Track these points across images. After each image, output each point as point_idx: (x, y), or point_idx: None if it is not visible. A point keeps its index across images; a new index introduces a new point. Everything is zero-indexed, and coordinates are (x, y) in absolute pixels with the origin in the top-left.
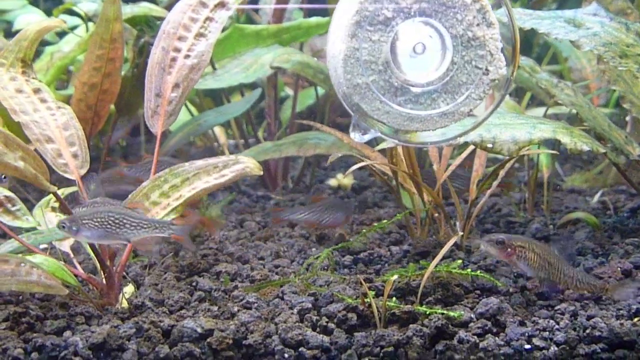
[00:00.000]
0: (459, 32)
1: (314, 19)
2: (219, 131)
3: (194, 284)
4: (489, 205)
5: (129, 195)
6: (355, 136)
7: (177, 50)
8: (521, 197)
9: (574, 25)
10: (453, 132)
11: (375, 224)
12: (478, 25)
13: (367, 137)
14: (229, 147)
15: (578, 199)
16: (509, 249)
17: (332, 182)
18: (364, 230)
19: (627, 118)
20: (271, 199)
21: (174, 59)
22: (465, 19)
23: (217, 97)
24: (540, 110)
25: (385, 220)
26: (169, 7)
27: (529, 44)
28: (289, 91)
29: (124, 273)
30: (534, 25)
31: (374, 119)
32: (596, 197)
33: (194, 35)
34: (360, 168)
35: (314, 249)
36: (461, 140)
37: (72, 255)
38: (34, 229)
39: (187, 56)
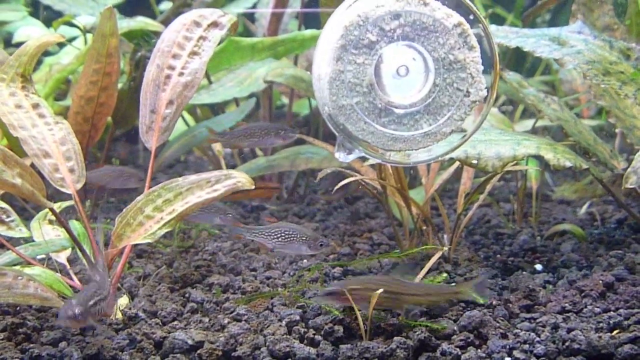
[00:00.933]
0: (441, 56)
1: (309, 32)
2: None
3: (186, 295)
4: (479, 217)
5: (124, 209)
6: (340, 156)
7: (172, 68)
8: (510, 208)
9: (558, 43)
10: (439, 150)
11: (366, 235)
12: (459, 49)
13: (351, 157)
14: (225, 156)
15: (567, 210)
16: (346, 296)
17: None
18: (366, 257)
19: (617, 130)
20: (266, 209)
21: (168, 77)
22: (447, 43)
23: (214, 106)
24: (531, 122)
25: (391, 252)
26: (165, 22)
27: (523, 55)
28: (285, 100)
29: (119, 284)
30: (520, 44)
31: (359, 139)
32: (584, 208)
33: (187, 53)
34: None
35: (305, 261)
36: (446, 157)
37: (68, 267)
38: (29, 239)
39: (181, 74)
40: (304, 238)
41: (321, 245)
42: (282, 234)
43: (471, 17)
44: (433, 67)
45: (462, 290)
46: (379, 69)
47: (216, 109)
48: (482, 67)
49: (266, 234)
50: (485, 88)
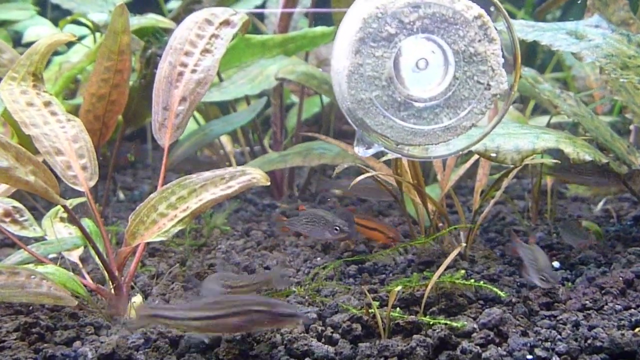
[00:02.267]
0: (461, 48)
1: (320, 29)
2: (225, 139)
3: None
4: (493, 214)
5: (137, 207)
6: (360, 150)
7: (184, 65)
8: (525, 206)
9: (576, 37)
10: (458, 144)
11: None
12: (480, 41)
13: (370, 152)
14: (235, 156)
15: (582, 207)
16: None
17: (338, 190)
18: (387, 251)
19: (631, 127)
20: (277, 208)
21: (180, 74)
22: (467, 35)
23: (224, 105)
24: (544, 119)
25: (412, 241)
26: (176, 19)
27: (534, 51)
28: (295, 98)
29: (132, 283)
30: (537, 38)
31: (378, 134)
32: (599, 205)
33: (200, 51)
34: (378, 181)
35: (319, 259)
36: (465, 151)
37: (80, 266)
38: (42, 238)
39: (193, 71)
40: (323, 222)
41: (336, 230)
42: (309, 220)
43: (492, 9)
44: (453, 60)
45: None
46: (398, 62)
47: (227, 107)
48: (502, 60)
49: (297, 222)
50: (507, 82)
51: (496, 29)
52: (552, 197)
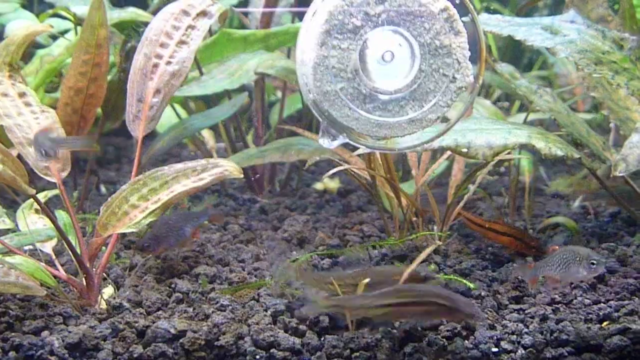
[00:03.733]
0: (427, 41)
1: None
2: (207, 135)
3: (172, 285)
4: (472, 210)
5: (109, 198)
6: (324, 142)
7: (159, 56)
8: (503, 202)
9: (551, 32)
10: (425, 137)
11: (357, 227)
12: (445, 34)
13: (335, 143)
14: (218, 151)
15: (561, 204)
16: None
17: (319, 185)
18: (356, 247)
19: (611, 125)
20: (257, 202)
21: (155, 65)
22: (433, 28)
23: (209, 100)
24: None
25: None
26: (155, 12)
27: (520, 50)
28: (280, 95)
29: (105, 275)
30: (511, 32)
31: (343, 126)
32: (577, 202)
33: (175, 42)
34: (346, 172)
35: (294, 252)
36: (435, 145)
37: (53, 257)
38: (15, 230)
39: (168, 62)
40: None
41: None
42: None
43: (457, 1)
44: (419, 53)
45: None
46: (364, 54)
47: (210, 102)
48: (468, 53)
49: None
50: (472, 75)
51: (464, 22)
52: (530, 193)
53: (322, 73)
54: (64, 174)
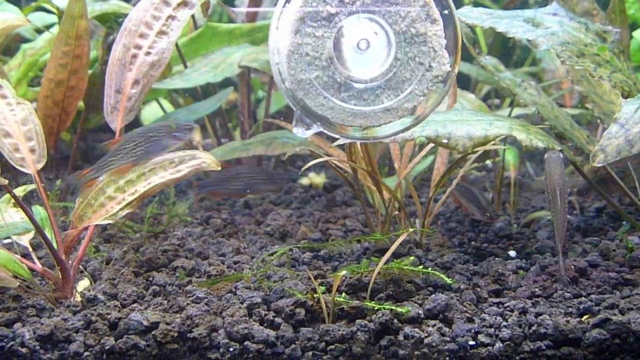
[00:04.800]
0: (402, 29)
1: None
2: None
3: (150, 279)
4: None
5: (85, 191)
6: (298, 131)
7: (138, 47)
8: (489, 197)
9: (533, 24)
10: (399, 127)
11: (340, 222)
12: (421, 21)
13: (309, 133)
14: (205, 147)
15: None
16: None
17: (304, 180)
18: (337, 241)
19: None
20: (242, 197)
21: (134, 56)
22: (408, 15)
23: (196, 95)
24: (515, 110)
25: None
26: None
27: (511, 46)
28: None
29: (82, 267)
30: (493, 25)
31: (318, 115)
32: None
33: (155, 32)
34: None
35: (276, 246)
36: (415, 135)
37: (30, 249)
38: None
39: (147, 53)
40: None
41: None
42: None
43: None
44: (394, 41)
45: None
46: (339, 42)
47: (197, 97)
48: (444, 41)
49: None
50: (449, 63)
51: (443, 13)
52: (515, 188)
53: (296, 61)
54: (39, 165)
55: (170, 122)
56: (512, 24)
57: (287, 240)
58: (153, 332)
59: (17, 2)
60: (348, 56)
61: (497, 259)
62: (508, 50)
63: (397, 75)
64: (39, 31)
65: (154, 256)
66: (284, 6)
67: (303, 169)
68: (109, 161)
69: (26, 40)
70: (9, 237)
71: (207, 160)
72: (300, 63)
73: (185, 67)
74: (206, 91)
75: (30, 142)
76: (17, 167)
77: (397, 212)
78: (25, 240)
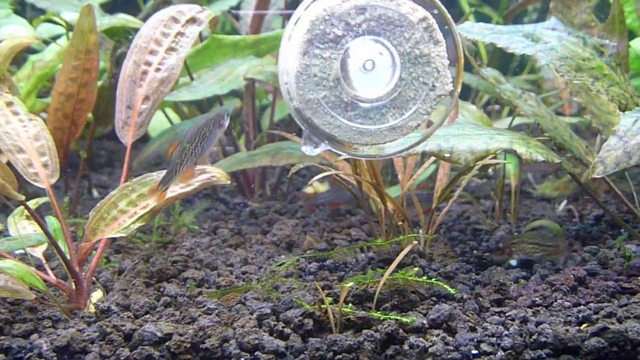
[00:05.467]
0: (407, 50)
1: None
2: None
3: (161, 289)
4: (458, 213)
5: (98, 204)
6: (307, 149)
7: (148, 63)
8: (491, 205)
9: (532, 39)
10: (407, 143)
11: (345, 231)
12: (425, 43)
13: (318, 151)
14: (210, 156)
15: (547, 207)
16: None
17: (309, 190)
18: (342, 249)
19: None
20: (248, 206)
21: (145, 72)
22: (412, 37)
23: (202, 106)
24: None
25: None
26: (146, 19)
27: (510, 55)
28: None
29: (95, 279)
30: (494, 40)
31: (326, 133)
32: (562, 205)
33: (165, 49)
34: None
35: (283, 256)
36: (418, 150)
37: (44, 261)
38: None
39: (157, 69)
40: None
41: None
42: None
43: (436, 11)
44: (399, 62)
45: None
46: (346, 63)
47: (202, 108)
48: (447, 62)
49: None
50: (451, 82)
51: (444, 31)
52: (516, 197)
53: (304, 82)
54: (53, 180)
55: (212, 113)
56: (512, 40)
57: (294, 250)
58: (167, 343)
59: (23, 11)
60: (354, 76)
61: (498, 268)
62: (508, 57)
63: (402, 94)
64: (46, 42)
65: (164, 267)
66: (292, 28)
67: (311, 181)
68: (177, 168)
69: (33, 51)
70: (22, 249)
71: (216, 174)
72: (309, 83)
73: (192, 78)
74: (211, 101)
75: (43, 157)
76: (30, 181)
77: (400, 222)
78: (38, 252)
